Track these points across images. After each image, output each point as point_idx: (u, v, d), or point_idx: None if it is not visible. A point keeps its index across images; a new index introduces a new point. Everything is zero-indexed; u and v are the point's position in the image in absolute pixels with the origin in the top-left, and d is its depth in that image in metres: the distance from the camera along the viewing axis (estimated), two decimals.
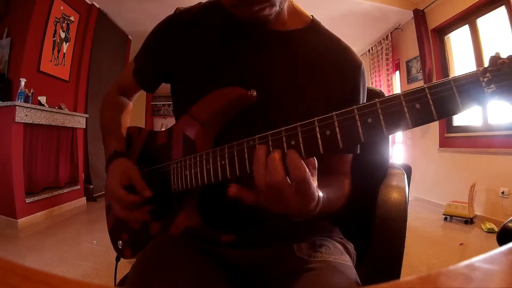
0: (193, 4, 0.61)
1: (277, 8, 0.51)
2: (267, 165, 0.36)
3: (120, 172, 0.55)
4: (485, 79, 0.29)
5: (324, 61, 0.55)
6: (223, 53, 0.56)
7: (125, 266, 0.59)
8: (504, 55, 0.30)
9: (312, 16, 0.61)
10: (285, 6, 0.55)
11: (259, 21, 0.52)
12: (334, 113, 0.35)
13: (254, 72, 0.54)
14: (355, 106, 0.34)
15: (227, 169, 0.43)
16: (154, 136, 0.61)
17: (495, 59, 0.29)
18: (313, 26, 0.59)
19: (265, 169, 0.37)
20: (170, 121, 6.13)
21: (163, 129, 0.60)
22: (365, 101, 0.58)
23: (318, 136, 0.35)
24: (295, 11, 0.59)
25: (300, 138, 0.36)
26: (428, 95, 0.31)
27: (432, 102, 0.30)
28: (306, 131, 0.36)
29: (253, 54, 0.55)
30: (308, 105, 0.53)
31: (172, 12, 0.61)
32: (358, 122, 0.33)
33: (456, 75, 0.31)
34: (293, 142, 0.37)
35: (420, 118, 0.31)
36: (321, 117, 0.36)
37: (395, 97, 0.32)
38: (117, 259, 0.66)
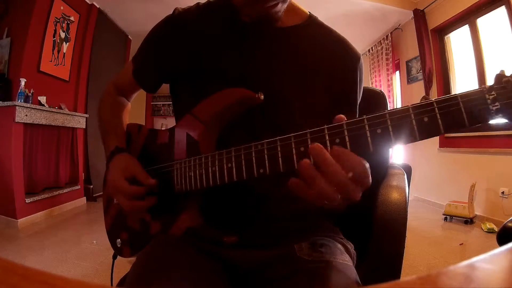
0: (192, 4, 0.61)
1: (286, 4, 0.51)
2: (321, 168, 0.34)
3: (122, 166, 0.55)
4: (491, 97, 0.29)
5: (324, 55, 0.56)
6: (225, 52, 0.56)
7: (125, 265, 0.59)
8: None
9: (309, 12, 0.61)
10: None
11: (268, 19, 0.52)
12: (344, 122, 0.35)
13: (257, 71, 0.54)
14: (365, 116, 0.34)
15: (234, 172, 0.43)
16: (155, 135, 0.61)
17: (500, 77, 0.30)
18: (311, 21, 0.59)
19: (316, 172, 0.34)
20: (170, 121, 6.14)
21: (163, 129, 0.60)
22: (360, 96, 0.59)
23: (328, 144, 0.36)
24: (292, 8, 0.59)
25: (310, 146, 0.36)
26: (436, 109, 0.31)
27: (440, 117, 0.31)
28: (316, 138, 0.36)
29: (255, 53, 0.55)
30: (312, 103, 0.53)
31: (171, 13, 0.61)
32: (368, 132, 0.34)
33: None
34: (302, 149, 0.37)
35: (427, 131, 0.32)
36: (331, 125, 0.36)
37: (405, 110, 0.33)
38: (114, 257, 0.66)
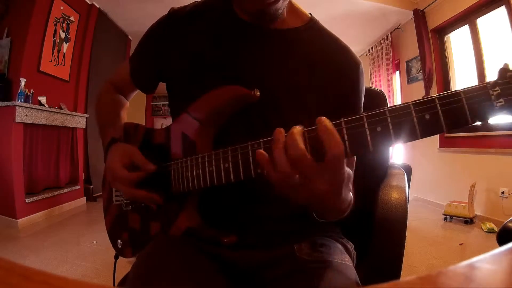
0: (187, 4, 0.60)
1: (287, 1, 0.51)
2: (286, 141, 0.34)
3: (119, 154, 0.54)
4: (495, 93, 0.28)
5: (323, 60, 0.55)
6: (222, 51, 0.55)
7: (125, 266, 0.59)
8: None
9: (310, 14, 0.61)
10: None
11: (267, 17, 0.51)
12: (343, 119, 0.34)
13: (254, 71, 0.54)
14: (364, 114, 0.33)
15: (231, 172, 0.42)
16: (152, 134, 0.60)
17: (504, 71, 0.28)
18: (312, 25, 0.59)
19: (283, 148, 0.34)
20: (170, 121, 6.12)
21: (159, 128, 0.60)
22: (362, 102, 0.58)
23: None
24: (294, 9, 0.58)
25: (308, 144, 0.35)
26: (438, 106, 0.30)
27: (442, 114, 0.30)
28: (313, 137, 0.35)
29: (252, 53, 0.55)
30: (307, 105, 0.53)
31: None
32: (367, 130, 0.32)
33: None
34: None
35: (429, 129, 0.30)
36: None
37: (405, 107, 0.31)
38: (116, 257, 0.66)
